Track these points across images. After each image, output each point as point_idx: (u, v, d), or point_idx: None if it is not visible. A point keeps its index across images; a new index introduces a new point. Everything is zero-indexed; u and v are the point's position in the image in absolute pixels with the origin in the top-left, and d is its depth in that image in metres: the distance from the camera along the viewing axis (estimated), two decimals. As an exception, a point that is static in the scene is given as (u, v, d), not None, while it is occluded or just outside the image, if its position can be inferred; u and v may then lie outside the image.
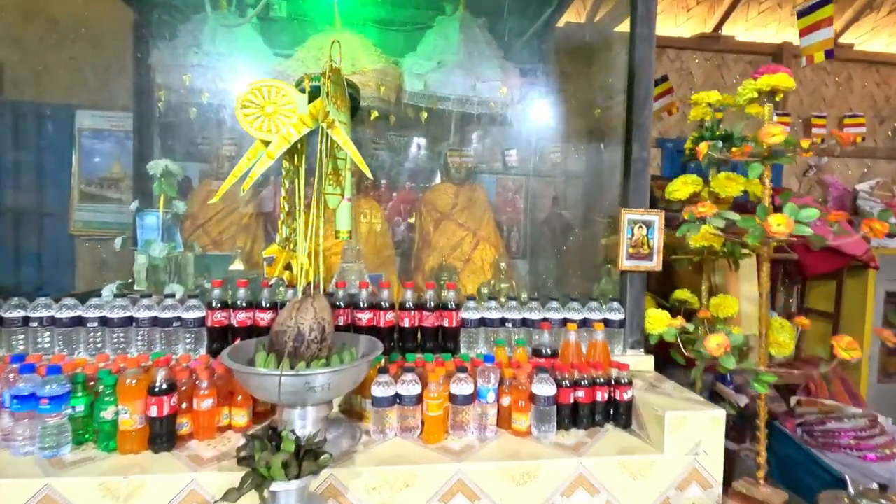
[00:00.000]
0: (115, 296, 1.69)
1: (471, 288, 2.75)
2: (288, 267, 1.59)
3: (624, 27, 2.10)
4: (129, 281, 1.85)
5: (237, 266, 2.24)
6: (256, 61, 2.51)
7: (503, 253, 2.90)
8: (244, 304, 1.70)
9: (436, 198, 2.94)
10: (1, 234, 3.46)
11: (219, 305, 1.69)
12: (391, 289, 1.77)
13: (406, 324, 1.75)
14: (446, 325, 1.77)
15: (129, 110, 3.16)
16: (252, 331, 1.72)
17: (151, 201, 1.97)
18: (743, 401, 2.13)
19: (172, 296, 1.71)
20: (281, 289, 1.72)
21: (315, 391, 1.31)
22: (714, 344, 1.47)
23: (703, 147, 1.61)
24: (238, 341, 1.59)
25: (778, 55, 4.33)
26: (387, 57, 2.60)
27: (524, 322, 1.85)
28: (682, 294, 2.18)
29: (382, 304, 1.74)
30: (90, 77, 3.57)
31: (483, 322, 1.82)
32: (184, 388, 1.45)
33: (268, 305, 1.71)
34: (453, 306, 1.77)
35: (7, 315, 1.66)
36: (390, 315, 1.75)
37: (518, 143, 2.98)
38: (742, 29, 4.30)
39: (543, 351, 1.71)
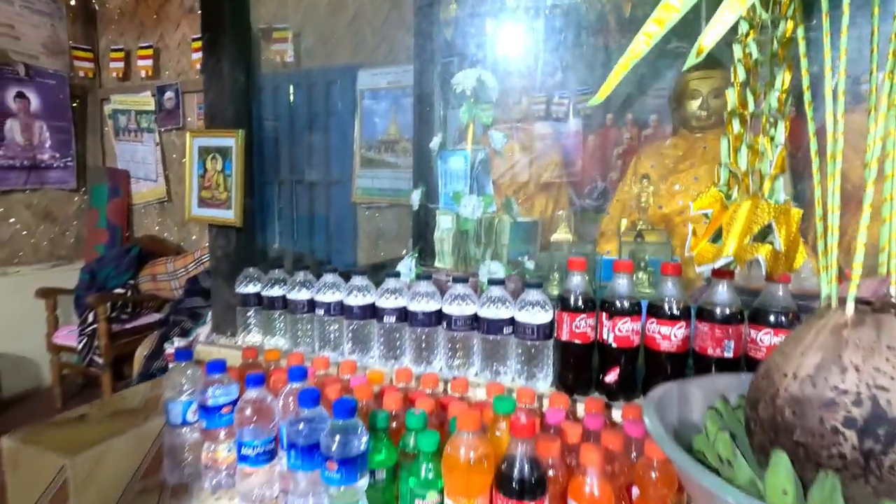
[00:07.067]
0: (417, 276, 1.11)
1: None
2: (762, 234, 0.73)
3: None
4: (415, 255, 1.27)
5: (562, 234, 1.51)
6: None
7: None
8: (627, 307, 0.92)
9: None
10: (297, 205, 3.55)
11: (580, 305, 0.95)
12: None
13: None
14: None
15: (406, 64, 2.79)
16: (633, 357, 0.93)
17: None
18: None
19: (501, 282, 1.03)
20: (724, 279, 0.88)
21: None
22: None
23: None
24: (614, 375, 0.83)
25: None
26: None
27: None
28: None
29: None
30: (368, 35, 3.36)
31: None
32: (557, 475, 0.73)
33: (675, 313, 0.89)
34: None
35: (291, 296, 1.21)
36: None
37: None
38: None
39: None
